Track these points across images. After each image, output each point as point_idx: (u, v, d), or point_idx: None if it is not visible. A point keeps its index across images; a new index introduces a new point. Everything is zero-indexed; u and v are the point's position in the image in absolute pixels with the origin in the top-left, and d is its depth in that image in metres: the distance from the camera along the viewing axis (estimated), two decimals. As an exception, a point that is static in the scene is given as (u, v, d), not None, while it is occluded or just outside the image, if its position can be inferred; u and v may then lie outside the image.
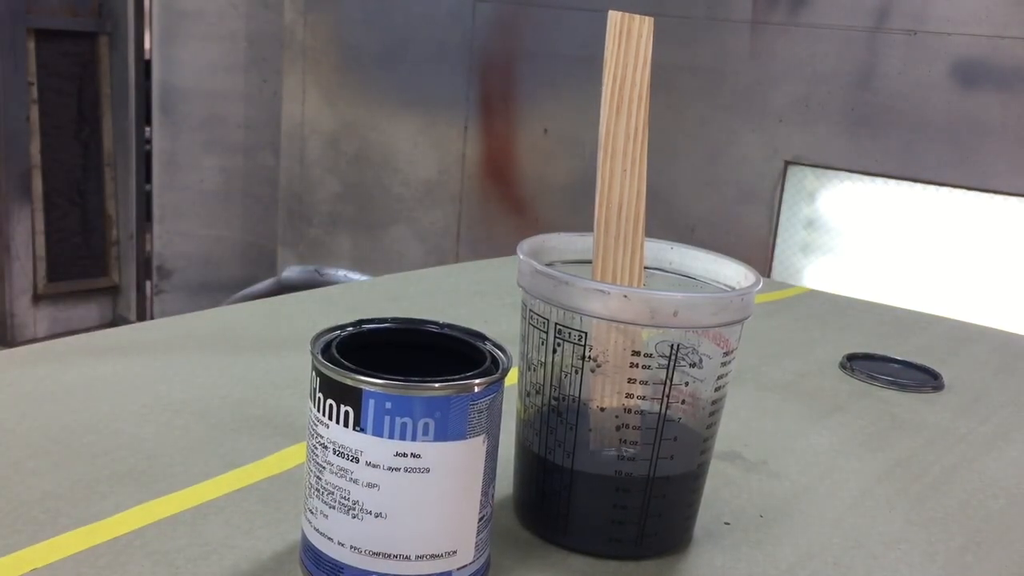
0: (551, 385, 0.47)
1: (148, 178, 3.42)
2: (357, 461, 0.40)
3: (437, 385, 0.40)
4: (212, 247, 3.44)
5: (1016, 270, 2.06)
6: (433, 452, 0.40)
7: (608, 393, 0.46)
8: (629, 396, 0.45)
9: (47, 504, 0.48)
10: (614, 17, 0.48)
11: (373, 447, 0.40)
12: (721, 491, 0.57)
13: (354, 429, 0.40)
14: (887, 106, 2.16)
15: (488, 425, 0.42)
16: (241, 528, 0.48)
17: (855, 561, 0.50)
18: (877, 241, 2.23)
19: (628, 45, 0.49)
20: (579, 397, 0.46)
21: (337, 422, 0.40)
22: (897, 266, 2.20)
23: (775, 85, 2.30)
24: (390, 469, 0.40)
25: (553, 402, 0.47)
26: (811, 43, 2.23)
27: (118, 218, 3.48)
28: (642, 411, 0.45)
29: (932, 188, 2.14)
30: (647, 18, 0.49)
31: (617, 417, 0.46)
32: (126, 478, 0.52)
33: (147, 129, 3.39)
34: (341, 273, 2.98)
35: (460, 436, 0.40)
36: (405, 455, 0.40)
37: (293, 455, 0.56)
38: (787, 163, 2.32)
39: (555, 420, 0.47)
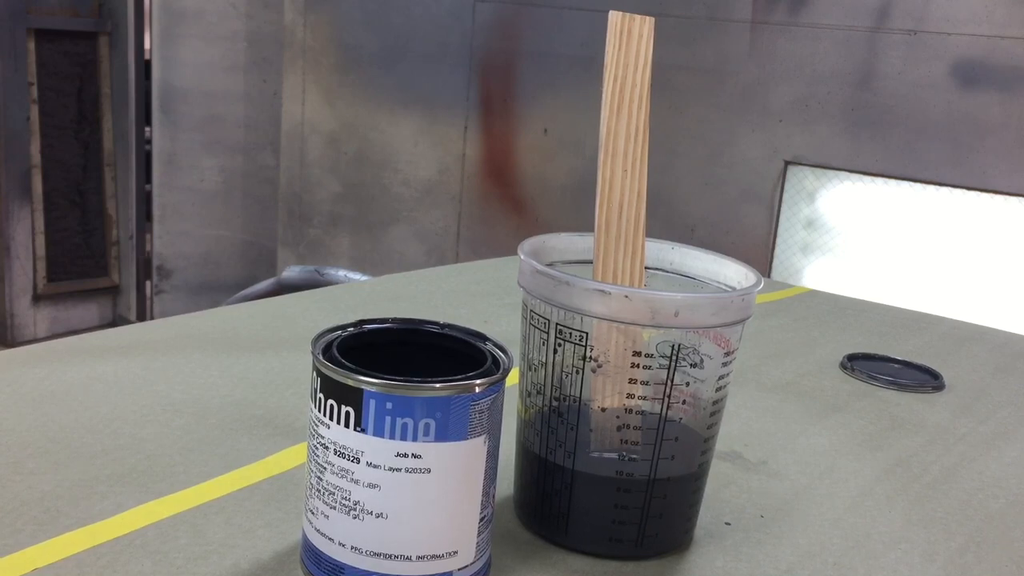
0: (552, 385, 0.47)
1: (148, 178, 3.42)
2: (358, 461, 0.40)
3: (438, 385, 0.40)
4: (212, 247, 3.44)
5: (1016, 270, 2.06)
6: (434, 452, 0.40)
7: (609, 393, 0.46)
8: (630, 396, 0.45)
9: (47, 504, 0.48)
10: (614, 17, 0.48)
11: (374, 448, 0.40)
12: (721, 491, 0.57)
13: (355, 429, 0.40)
14: (887, 106, 2.16)
15: (489, 425, 0.42)
16: (241, 528, 0.48)
17: (855, 561, 0.50)
18: (877, 241, 2.23)
19: (628, 45, 0.49)
20: (580, 397, 0.46)
21: (338, 422, 0.40)
22: (897, 266, 2.20)
23: (775, 85, 2.30)
24: (391, 469, 0.40)
25: (554, 402, 0.47)
26: (811, 43, 2.23)
27: (118, 218, 3.48)
28: (643, 411, 0.45)
29: (932, 188, 2.14)
30: (648, 18, 0.49)
31: (618, 417, 0.46)
32: (126, 478, 0.52)
33: (147, 129, 3.39)
34: (341, 273, 2.99)
35: (461, 436, 0.40)
36: (406, 455, 0.40)
37: (293, 455, 0.56)
38: (787, 163, 2.32)
39: (556, 420, 0.47)
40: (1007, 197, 2.05)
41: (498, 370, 0.42)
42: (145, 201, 3.44)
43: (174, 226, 3.41)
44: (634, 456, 0.46)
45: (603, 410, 0.46)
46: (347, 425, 0.40)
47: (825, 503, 0.57)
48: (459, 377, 0.41)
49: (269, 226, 3.35)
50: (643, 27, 0.49)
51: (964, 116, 2.07)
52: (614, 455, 0.46)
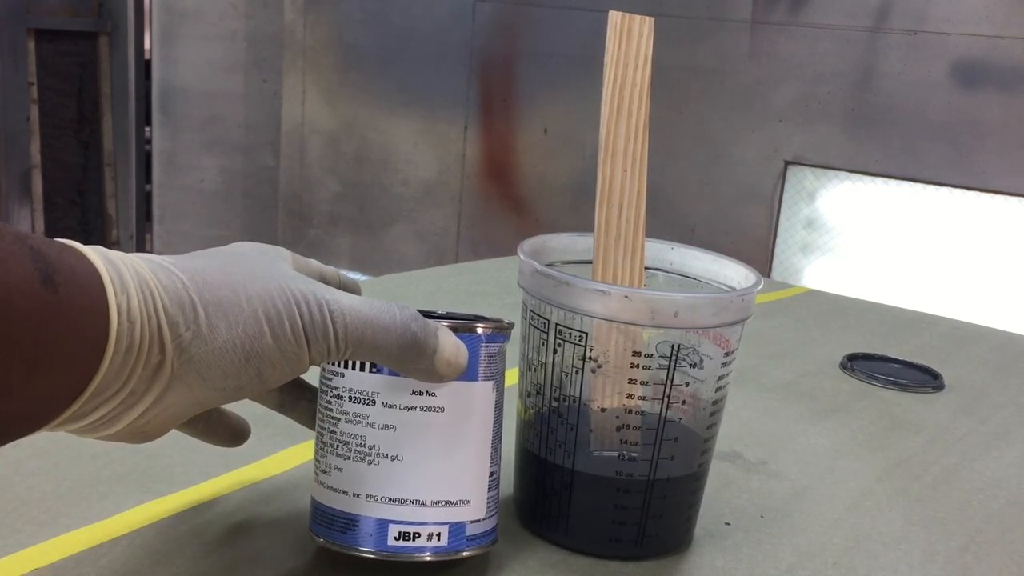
0: (552, 386, 0.47)
1: (148, 178, 3.42)
2: (373, 404, 0.41)
3: (446, 323, 0.41)
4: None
5: (1016, 270, 2.06)
6: (447, 391, 0.41)
7: (609, 394, 0.46)
8: (630, 396, 0.45)
9: (48, 504, 0.48)
10: (614, 17, 0.48)
11: (389, 387, 0.40)
12: (721, 491, 0.57)
13: (371, 371, 0.40)
14: (887, 106, 2.16)
15: (497, 375, 0.43)
16: (241, 528, 0.48)
17: (855, 561, 0.50)
18: (877, 241, 2.23)
19: (628, 45, 0.49)
20: (580, 398, 0.46)
21: (353, 368, 0.41)
22: (897, 266, 2.20)
23: (775, 85, 2.30)
24: (406, 408, 0.40)
25: (554, 403, 0.47)
26: (811, 43, 2.23)
27: (118, 218, 3.48)
28: (643, 412, 0.45)
29: (932, 188, 2.14)
30: (647, 18, 0.49)
31: (618, 418, 0.46)
32: (126, 478, 0.52)
33: (147, 129, 3.39)
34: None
35: (472, 377, 0.41)
36: (421, 393, 0.40)
37: (293, 455, 0.56)
38: (787, 163, 2.32)
39: (556, 421, 0.47)
40: (1007, 197, 2.05)
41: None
42: (145, 201, 3.44)
43: (174, 226, 3.41)
44: (634, 456, 0.46)
45: (603, 410, 0.46)
46: (362, 368, 0.41)
47: (825, 503, 0.57)
48: (470, 317, 0.42)
49: (269, 226, 3.35)
50: (643, 27, 0.49)
51: (964, 116, 2.07)
52: (614, 455, 0.46)
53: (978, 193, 2.08)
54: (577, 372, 0.46)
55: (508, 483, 0.52)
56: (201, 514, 0.49)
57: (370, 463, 0.41)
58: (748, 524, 0.53)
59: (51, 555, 0.44)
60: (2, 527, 0.46)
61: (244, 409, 0.62)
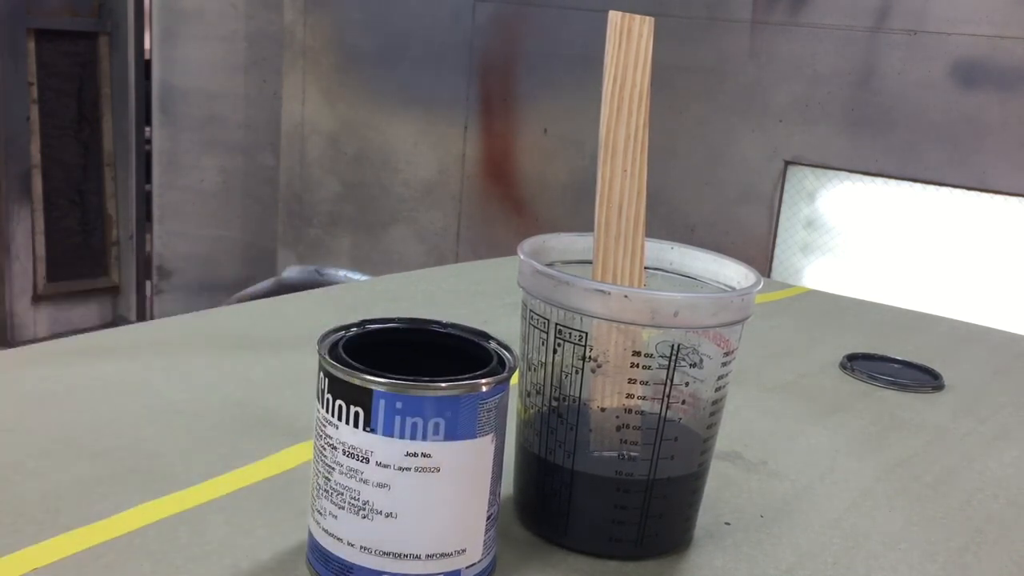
0: (551, 385, 0.47)
1: (148, 178, 3.42)
2: (367, 461, 0.40)
3: (445, 385, 0.40)
4: (212, 247, 3.44)
5: (1016, 270, 2.05)
6: (443, 451, 0.40)
7: (608, 393, 0.46)
8: (630, 396, 0.45)
9: (48, 504, 0.48)
10: (614, 17, 0.48)
11: (384, 447, 0.40)
12: (721, 491, 0.57)
13: (364, 429, 0.40)
14: (887, 106, 2.16)
15: (496, 424, 0.42)
16: (241, 528, 0.48)
17: (855, 561, 0.50)
18: (877, 241, 2.23)
19: (628, 45, 0.49)
20: (579, 397, 0.46)
21: (347, 423, 0.40)
22: (897, 266, 2.20)
23: (775, 85, 2.30)
24: (401, 469, 0.40)
25: (553, 402, 0.47)
26: (811, 43, 2.23)
27: (118, 218, 3.48)
28: (642, 411, 0.45)
29: (932, 188, 2.14)
30: (647, 18, 0.49)
31: (617, 417, 0.46)
32: (126, 478, 0.52)
33: (147, 129, 3.39)
34: (341, 273, 2.98)
35: (470, 435, 0.40)
36: (416, 455, 0.40)
37: (293, 455, 0.56)
38: (787, 163, 2.32)
39: (555, 420, 0.47)
40: (1007, 197, 2.05)
41: (504, 369, 0.42)
42: (145, 201, 3.44)
43: (174, 226, 3.41)
44: (633, 456, 0.46)
45: (603, 410, 0.46)
46: (356, 425, 0.40)
47: (825, 503, 0.57)
48: (468, 376, 0.41)
49: (269, 226, 3.35)
50: (643, 27, 0.49)
51: (964, 116, 2.07)
52: (614, 455, 0.46)
53: (978, 193, 2.08)
54: (577, 372, 0.46)
55: (508, 483, 0.52)
56: (201, 514, 0.49)
57: (364, 517, 0.41)
58: (748, 524, 0.53)
59: (51, 555, 0.44)
60: (2, 527, 0.46)
61: (245, 410, 0.62)
